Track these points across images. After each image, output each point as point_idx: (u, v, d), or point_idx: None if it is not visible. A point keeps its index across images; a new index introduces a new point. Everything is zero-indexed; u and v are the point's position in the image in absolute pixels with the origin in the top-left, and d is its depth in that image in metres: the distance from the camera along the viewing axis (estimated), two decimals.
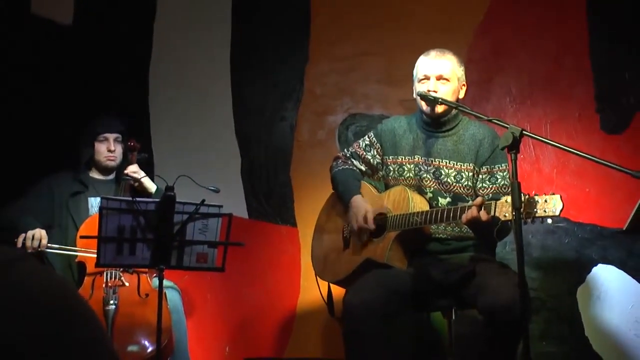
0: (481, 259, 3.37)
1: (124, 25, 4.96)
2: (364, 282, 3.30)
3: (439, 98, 3.31)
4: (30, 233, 3.68)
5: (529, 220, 2.80)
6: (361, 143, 3.70)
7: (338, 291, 3.66)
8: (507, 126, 2.76)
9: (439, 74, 3.40)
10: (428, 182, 3.46)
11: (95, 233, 3.14)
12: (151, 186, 4.01)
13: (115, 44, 4.93)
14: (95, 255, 3.63)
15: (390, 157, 3.57)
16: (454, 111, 3.45)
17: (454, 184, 3.43)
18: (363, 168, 3.67)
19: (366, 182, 3.65)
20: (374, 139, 3.65)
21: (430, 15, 4.48)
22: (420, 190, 3.47)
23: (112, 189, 4.00)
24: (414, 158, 3.50)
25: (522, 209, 2.71)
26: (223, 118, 4.81)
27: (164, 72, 4.93)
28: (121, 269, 3.64)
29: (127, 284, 3.64)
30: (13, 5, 4.94)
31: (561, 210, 2.75)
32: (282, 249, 4.61)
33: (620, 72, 4.12)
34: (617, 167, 2.62)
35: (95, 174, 4.11)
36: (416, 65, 3.50)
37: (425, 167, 3.46)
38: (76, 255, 3.75)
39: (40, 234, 3.68)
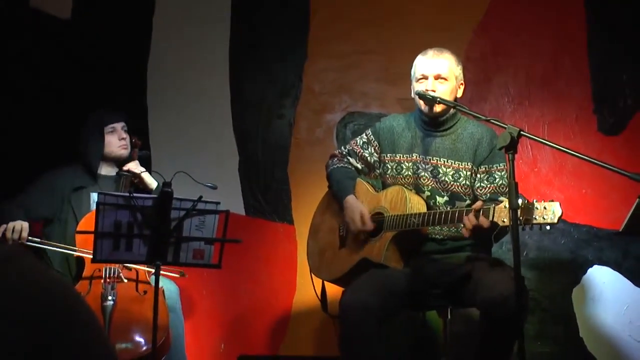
0: (477, 258, 3.37)
1: (123, 20, 4.95)
2: (361, 283, 3.30)
3: (437, 97, 3.31)
4: (11, 224, 3.65)
5: (527, 226, 2.81)
6: (359, 141, 3.70)
7: (332, 288, 3.66)
8: (505, 126, 2.77)
9: (437, 73, 3.40)
10: (426, 180, 3.46)
11: (93, 229, 3.14)
12: (152, 182, 4.01)
13: (114, 39, 4.92)
14: (80, 254, 3.65)
15: (388, 155, 3.57)
16: (452, 110, 3.45)
17: (452, 182, 3.43)
18: (359, 166, 3.67)
19: (363, 180, 3.64)
20: (371, 136, 3.65)
21: (430, 14, 4.49)
22: (418, 189, 3.47)
23: (113, 184, 3.98)
24: (412, 156, 3.50)
25: (520, 215, 2.72)
26: (221, 115, 4.80)
27: (163, 68, 4.92)
28: (120, 265, 3.63)
29: (125, 280, 3.63)
30: None
31: (560, 218, 2.76)
32: (279, 247, 4.61)
33: (618, 73, 4.12)
34: (614, 168, 2.62)
35: (101, 170, 4.09)
36: (414, 64, 3.50)
37: (423, 166, 3.47)
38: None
39: (21, 225, 3.65)
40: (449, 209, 3.32)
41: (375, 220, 3.45)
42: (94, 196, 3.93)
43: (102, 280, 3.59)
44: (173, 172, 3.37)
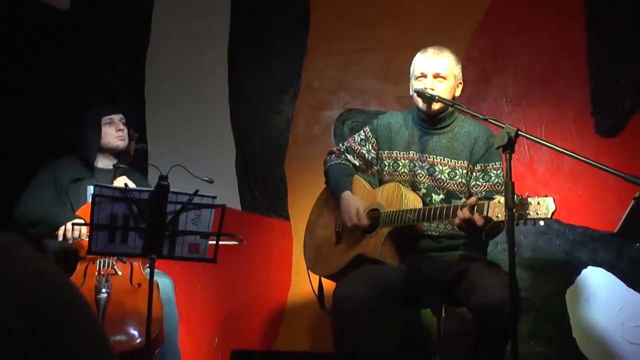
0: (472, 257, 3.38)
1: (122, 14, 4.94)
2: (354, 276, 3.31)
3: (435, 96, 3.32)
4: (69, 224, 3.65)
5: (521, 221, 2.81)
6: (356, 137, 3.70)
7: (329, 284, 3.67)
8: (503, 126, 2.77)
9: (436, 71, 3.41)
10: (422, 178, 3.47)
11: (88, 220, 3.14)
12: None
13: (113, 33, 4.91)
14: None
15: (385, 152, 3.58)
16: (450, 109, 3.46)
17: (448, 180, 3.44)
18: (357, 163, 3.68)
19: (360, 177, 3.65)
20: (369, 133, 3.66)
21: (430, 13, 4.49)
22: (414, 186, 3.48)
23: (110, 178, 3.97)
24: (409, 154, 3.51)
25: (514, 210, 2.73)
26: (219, 109, 4.80)
27: (161, 62, 4.92)
28: (114, 258, 3.63)
29: (120, 272, 3.62)
30: None
31: (553, 213, 2.77)
32: (275, 242, 4.61)
33: (616, 75, 4.13)
34: (610, 170, 2.63)
35: (98, 162, 4.09)
36: (413, 62, 3.50)
37: (420, 164, 3.47)
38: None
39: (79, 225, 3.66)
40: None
41: (371, 216, 3.46)
42: (91, 189, 3.93)
43: (96, 273, 3.58)
44: (170, 165, 3.36)
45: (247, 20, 4.84)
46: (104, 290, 3.52)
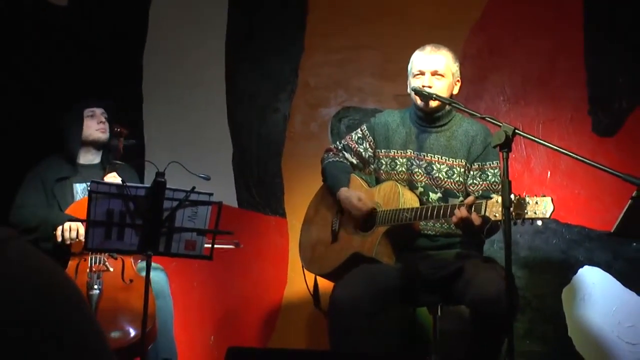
0: (469, 255, 3.38)
1: (120, 9, 4.94)
2: (351, 277, 3.31)
3: (433, 94, 3.31)
4: (67, 225, 3.65)
5: (519, 221, 2.81)
6: (354, 136, 3.70)
7: (324, 283, 3.67)
8: (500, 124, 2.77)
9: (434, 69, 3.40)
10: (419, 176, 3.46)
11: (82, 217, 3.13)
12: None
13: (110, 28, 4.90)
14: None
15: (383, 150, 3.57)
16: (447, 107, 3.46)
17: (445, 179, 3.44)
18: (354, 161, 3.67)
19: (357, 175, 3.64)
20: (366, 132, 3.65)
21: (427, 11, 4.48)
22: (412, 185, 3.48)
23: (98, 174, 3.95)
24: (406, 152, 3.51)
25: (512, 210, 2.72)
26: (216, 106, 4.79)
27: (159, 58, 4.91)
28: (106, 254, 3.63)
29: (111, 269, 3.62)
30: None
31: (552, 213, 2.76)
32: (271, 240, 4.61)
33: (613, 75, 4.13)
34: (607, 169, 2.63)
35: (81, 158, 4.08)
36: (411, 60, 3.50)
37: (417, 162, 3.47)
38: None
39: (76, 225, 3.65)
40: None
41: (368, 215, 3.45)
42: (77, 187, 3.92)
43: (88, 269, 3.58)
44: (166, 161, 3.36)
45: (244, 18, 4.83)
46: (95, 286, 3.52)
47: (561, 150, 2.78)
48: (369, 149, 3.63)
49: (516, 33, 4.33)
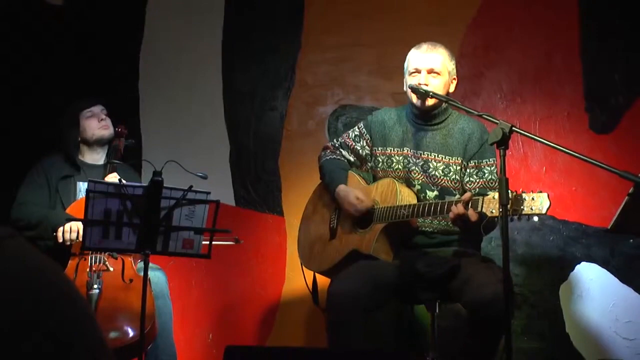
0: (466, 253, 3.39)
1: (116, 7, 4.93)
2: (349, 272, 3.32)
3: (430, 91, 3.32)
4: (67, 226, 3.65)
5: (516, 217, 2.82)
6: (350, 134, 3.70)
7: (323, 280, 3.67)
8: (497, 122, 2.77)
9: (430, 67, 3.41)
10: (416, 174, 3.47)
11: (81, 216, 3.13)
12: None
13: (107, 27, 4.90)
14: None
15: (379, 148, 3.58)
16: (444, 105, 3.46)
17: (442, 177, 3.44)
18: (351, 159, 3.68)
19: (354, 173, 3.65)
20: (363, 129, 3.65)
21: (424, 8, 4.48)
22: (409, 183, 3.48)
23: (102, 174, 3.95)
24: (403, 150, 3.51)
25: (509, 206, 2.73)
26: (213, 104, 4.79)
27: (155, 57, 4.91)
28: (106, 254, 3.62)
29: (111, 268, 3.62)
30: None
31: (548, 209, 2.77)
32: (268, 238, 4.61)
33: (610, 72, 4.13)
34: (604, 166, 2.63)
35: (87, 157, 4.07)
36: (407, 58, 3.50)
37: (414, 160, 3.47)
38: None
39: (77, 226, 3.65)
40: None
41: (366, 212, 3.46)
42: (81, 185, 3.91)
43: (88, 269, 3.58)
44: (164, 160, 3.36)
45: (240, 16, 4.83)
46: (95, 286, 3.51)
47: (558, 147, 2.79)
48: (366, 147, 3.63)
49: (512, 30, 4.33)
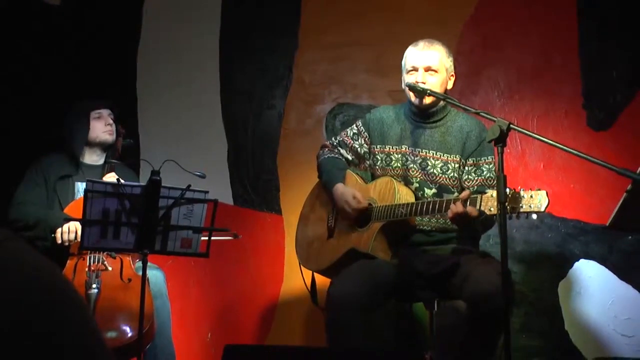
0: (465, 250, 3.39)
1: (113, 7, 4.93)
2: (348, 273, 3.31)
3: (427, 89, 3.31)
4: (65, 226, 3.64)
5: (514, 215, 2.81)
6: (349, 132, 3.70)
7: (322, 280, 3.67)
8: (495, 119, 2.77)
9: (428, 65, 3.40)
10: (414, 172, 3.47)
11: (79, 216, 3.13)
12: None
13: (104, 26, 4.89)
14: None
15: (378, 146, 3.57)
16: (442, 103, 3.46)
17: (440, 175, 3.44)
18: (350, 157, 3.68)
19: (352, 172, 3.65)
20: (361, 127, 3.65)
21: (421, 6, 4.48)
22: (407, 181, 3.48)
23: (100, 174, 3.94)
24: (401, 148, 3.51)
25: (507, 204, 2.73)
26: (211, 103, 4.79)
27: (152, 56, 4.91)
28: (104, 253, 3.62)
29: (110, 268, 3.62)
30: None
31: (546, 207, 2.76)
32: (267, 237, 4.61)
33: (608, 69, 4.13)
34: (602, 163, 2.63)
35: (85, 158, 4.07)
36: (405, 55, 3.50)
37: (412, 158, 3.47)
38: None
39: (75, 226, 3.65)
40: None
41: (364, 210, 3.46)
42: (78, 185, 3.91)
43: (86, 269, 3.57)
44: (162, 160, 3.36)
45: (238, 15, 4.83)
46: (94, 286, 3.51)
47: (556, 144, 2.79)
48: (364, 145, 3.63)
49: (510, 28, 4.33)
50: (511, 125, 2.73)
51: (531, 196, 2.79)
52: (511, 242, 4.07)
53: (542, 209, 2.77)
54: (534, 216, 2.83)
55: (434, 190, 3.44)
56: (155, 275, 3.80)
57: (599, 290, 4.00)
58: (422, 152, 3.47)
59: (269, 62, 4.74)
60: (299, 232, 3.80)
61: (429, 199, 3.36)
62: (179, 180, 3.29)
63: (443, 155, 3.44)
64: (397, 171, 3.51)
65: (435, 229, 3.45)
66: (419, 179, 3.47)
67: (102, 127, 4.02)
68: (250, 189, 4.68)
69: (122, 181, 3.32)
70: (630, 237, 3.98)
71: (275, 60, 4.73)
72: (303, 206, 3.84)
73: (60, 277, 0.82)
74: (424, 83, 3.37)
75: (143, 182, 3.42)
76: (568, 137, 4.09)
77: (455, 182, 3.43)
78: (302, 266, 3.72)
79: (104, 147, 4.06)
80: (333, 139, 3.79)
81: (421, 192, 3.45)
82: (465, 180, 3.42)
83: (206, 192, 3.20)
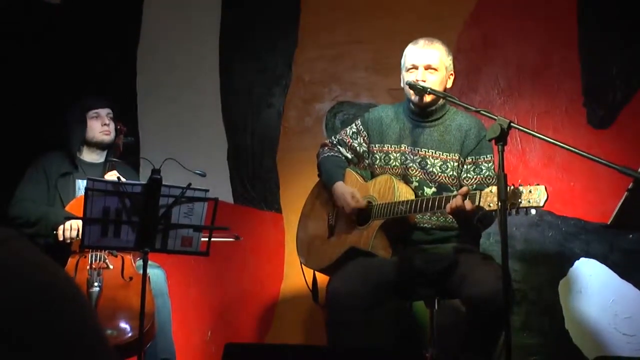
0: (465, 249, 3.38)
1: (113, 5, 4.93)
2: (348, 271, 3.31)
3: (428, 87, 3.31)
4: (67, 224, 3.64)
5: (513, 210, 2.81)
6: (348, 131, 3.70)
7: (323, 278, 3.67)
8: (495, 118, 2.77)
9: (427, 63, 3.40)
10: (414, 171, 3.46)
11: (80, 214, 3.13)
12: None
13: (104, 25, 4.89)
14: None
15: (377, 145, 3.57)
16: (441, 101, 3.45)
17: (439, 174, 3.43)
18: (349, 156, 3.67)
19: (352, 170, 3.65)
20: (360, 126, 3.65)
21: (421, 4, 4.48)
22: (406, 180, 3.48)
23: (101, 172, 3.95)
24: (400, 147, 3.50)
25: (506, 199, 2.73)
26: (210, 102, 4.79)
27: (152, 54, 4.91)
28: (106, 251, 3.62)
29: (111, 266, 3.62)
30: None
31: (545, 201, 2.76)
32: (267, 235, 4.61)
33: (608, 66, 4.13)
34: (603, 161, 2.63)
35: (85, 156, 4.07)
36: (404, 54, 3.49)
37: (412, 157, 3.47)
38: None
39: (76, 224, 3.64)
40: None
41: (359, 211, 3.46)
42: (79, 183, 3.91)
43: (88, 267, 3.58)
44: (162, 159, 3.36)
45: (238, 13, 4.82)
46: (96, 284, 3.52)
47: (556, 142, 2.78)
48: (363, 144, 3.63)
49: (510, 25, 4.33)
50: (511, 124, 2.72)
51: (530, 191, 2.79)
52: (511, 240, 4.06)
53: (541, 204, 2.77)
54: (533, 211, 2.83)
55: (433, 189, 3.44)
56: (156, 274, 3.80)
57: (600, 289, 4.00)
58: (421, 151, 3.46)
59: (268, 61, 4.74)
60: (300, 231, 3.80)
61: (428, 197, 3.35)
62: (180, 178, 3.29)
63: (442, 154, 3.44)
64: (396, 170, 3.50)
65: (435, 227, 3.45)
66: (418, 177, 3.46)
67: (99, 127, 4.03)
68: (250, 187, 4.68)
69: (122, 179, 3.32)
70: (631, 235, 3.97)
71: (275, 59, 4.73)
72: (304, 205, 3.84)
73: (63, 276, 0.82)
74: (424, 81, 3.36)
75: (143, 180, 3.42)
76: (568, 135, 4.09)
77: (455, 180, 3.43)
78: (303, 265, 3.72)
79: (102, 146, 4.07)
80: (333, 137, 3.78)
81: (421, 191, 3.45)
82: (464, 178, 3.42)
83: (206, 190, 3.20)
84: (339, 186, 3.52)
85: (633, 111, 4.07)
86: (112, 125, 4.06)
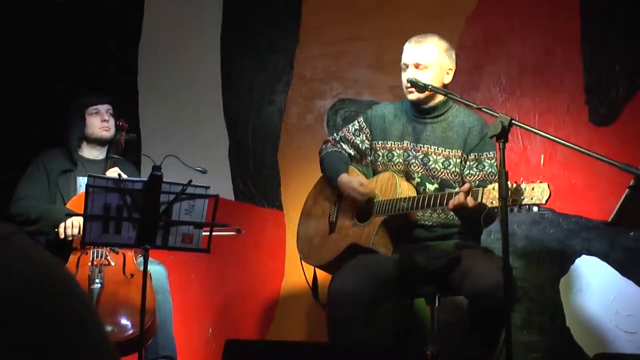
0: (466, 246, 3.38)
1: (115, 3, 4.92)
2: (349, 269, 3.32)
3: (429, 85, 3.30)
4: (69, 221, 3.64)
5: (515, 207, 2.81)
6: (350, 128, 3.69)
7: (323, 275, 3.67)
8: (497, 115, 2.77)
9: (416, 62, 3.39)
10: (416, 167, 3.46)
11: (81, 211, 3.13)
12: None
13: (106, 22, 4.89)
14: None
15: (380, 142, 3.57)
16: (443, 98, 3.45)
17: (442, 170, 3.43)
18: (352, 152, 3.67)
19: (354, 167, 3.65)
20: (363, 123, 3.65)
21: (422, 1, 4.47)
22: (408, 176, 3.48)
23: (102, 169, 3.95)
24: (403, 144, 3.50)
25: (509, 197, 2.72)
26: (212, 99, 4.79)
27: (154, 52, 4.90)
28: (107, 248, 3.62)
29: (112, 263, 3.62)
30: None
31: (548, 199, 2.76)
32: (268, 232, 4.61)
33: (610, 64, 4.12)
34: (604, 159, 2.63)
35: (85, 153, 4.07)
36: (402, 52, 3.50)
37: (414, 153, 3.47)
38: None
39: (77, 221, 3.64)
40: None
41: (365, 205, 3.46)
42: (80, 180, 3.91)
43: (90, 263, 3.58)
44: (163, 155, 3.36)
45: (239, 11, 4.82)
46: (97, 280, 3.52)
47: (558, 140, 2.78)
48: (366, 141, 3.62)
49: (512, 23, 4.32)
50: (513, 121, 2.72)
51: (532, 188, 2.79)
52: (512, 238, 4.06)
53: (544, 201, 2.77)
54: (535, 208, 2.84)
55: (435, 186, 3.44)
56: (157, 270, 3.80)
57: (601, 287, 3.99)
58: (423, 147, 3.46)
59: (269, 58, 4.74)
60: (300, 228, 3.80)
61: (430, 194, 3.35)
62: (180, 175, 3.29)
63: (445, 151, 3.44)
64: (398, 167, 3.50)
65: (436, 224, 3.45)
66: (420, 174, 3.46)
67: (98, 124, 4.03)
68: (251, 184, 4.68)
69: (123, 176, 3.33)
70: (632, 233, 3.97)
71: (276, 56, 4.73)
72: (305, 202, 3.84)
73: (64, 273, 0.82)
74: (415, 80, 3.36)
75: (144, 177, 3.42)
76: (570, 132, 4.08)
77: (457, 177, 3.43)
78: (303, 261, 3.72)
79: (102, 142, 4.07)
80: (335, 134, 3.78)
81: (423, 188, 3.45)
82: (467, 175, 3.42)
83: (207, 187, 3.20)
84: (345, 177, 3.51)
85: (635, 109, 4.07)
86: (111, 121, 4.07)
